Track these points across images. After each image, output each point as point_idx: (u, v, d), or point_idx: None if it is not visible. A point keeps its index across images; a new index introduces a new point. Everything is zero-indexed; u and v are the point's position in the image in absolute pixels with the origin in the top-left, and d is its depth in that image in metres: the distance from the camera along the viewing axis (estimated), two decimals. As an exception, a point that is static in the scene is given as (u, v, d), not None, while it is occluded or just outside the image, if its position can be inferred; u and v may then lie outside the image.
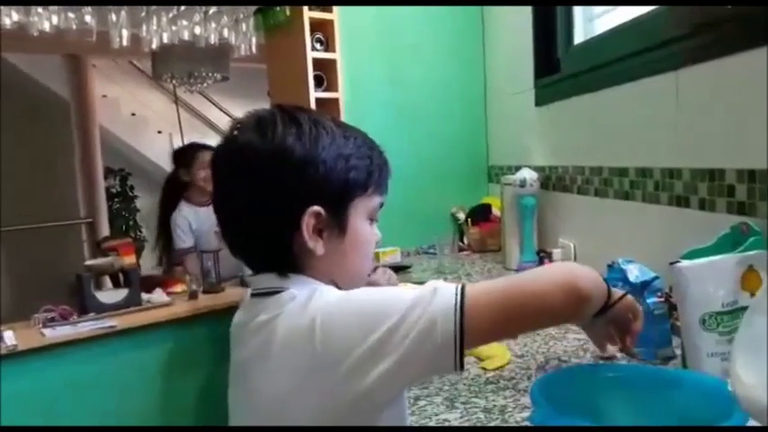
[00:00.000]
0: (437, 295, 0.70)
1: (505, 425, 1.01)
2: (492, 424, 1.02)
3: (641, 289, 1.26)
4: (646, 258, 1.39)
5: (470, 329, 0.69)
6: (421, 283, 1.83)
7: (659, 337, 1.23)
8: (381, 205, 0.89)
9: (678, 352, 1.20)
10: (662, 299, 1.25)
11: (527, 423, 1.00)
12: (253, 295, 0.83)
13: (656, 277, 1.26)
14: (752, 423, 0.79)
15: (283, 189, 0.79)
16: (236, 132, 0.83)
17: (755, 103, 1.20)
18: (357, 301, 0.75)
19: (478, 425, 1.02)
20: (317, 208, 0.79)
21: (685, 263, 1.09)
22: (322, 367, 0.70)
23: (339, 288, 0.82)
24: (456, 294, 0.70)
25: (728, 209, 1.27)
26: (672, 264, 1.11)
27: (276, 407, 0.75)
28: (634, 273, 1.30)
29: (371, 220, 0.88)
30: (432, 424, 1.02)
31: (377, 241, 0.90)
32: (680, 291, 1.10)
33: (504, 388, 1.15)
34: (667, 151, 1.50)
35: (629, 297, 0.96)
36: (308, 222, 0.79)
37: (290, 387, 0.73)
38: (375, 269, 1.72)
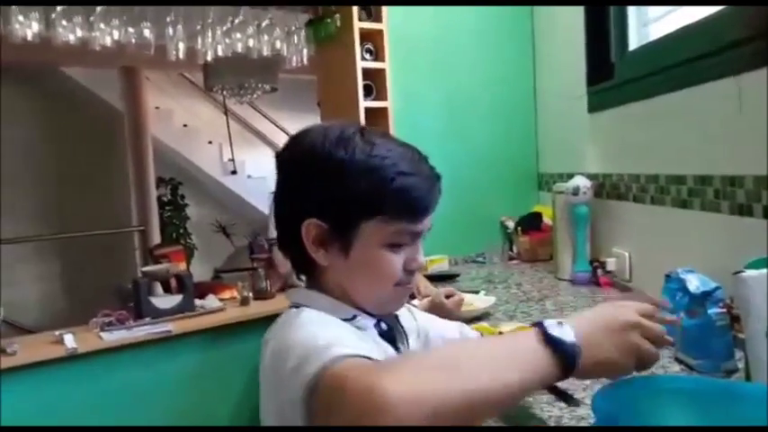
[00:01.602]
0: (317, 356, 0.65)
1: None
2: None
3: (702, 299, 1.23)
4: (705, 269, 1.35)
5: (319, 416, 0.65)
6: (472, 291, 1.83)
7: (722, 349, 1.19)
8: (414, 233, 0.85)
9: (741, 365, 1.16)
10: (724, 309, 1.21)
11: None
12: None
13: (718, 287, 1.22)
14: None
15: (292, 195, 0.85)
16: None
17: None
18: (297, 336, 0.74)
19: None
20: (314, 220, 0.81)
21: (750, 272, 1.06)
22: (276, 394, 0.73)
23: (360, 305, 0.86)
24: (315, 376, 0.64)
25: (794, 217, 1.23)
26: (735, 274, 1.07)
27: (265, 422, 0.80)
28: (694, 283, 1.26)
29: (394, 245, 0.83)
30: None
31: (415, 267, 0.86)
32: (744, 301, 1.07)
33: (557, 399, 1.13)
34: (728, 158, 1.46)
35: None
36: (307, 231, 0.82)
37: (271, 409, 0.77)
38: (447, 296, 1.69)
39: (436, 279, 2.28)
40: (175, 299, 2.13)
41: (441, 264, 2.56)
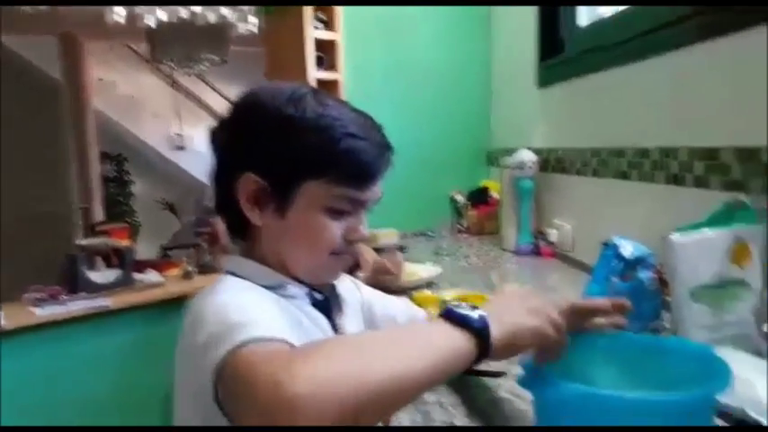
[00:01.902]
0: (227, 336, 0.61)
1: (497, 395, 1.01)
2: (483, 395, 1.02)
3: (635, 264, 1.26)
4: (641, 236, 1.39)
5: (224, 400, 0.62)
6: (418, 262, 1.83)
7: (650, 311, 1.23)
8: (358, 201, 0.81)
9: (668, 327, 1.20)
10: (654, 274, 1.25)
11: (516, 388, 1.00)
12: None
13: (650, 253, 1.26)
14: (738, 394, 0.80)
15: (231, 149, 0.81)
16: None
17: (752, 82, 1.20)
18: (211, 305, 0.69)
19: (470, 395, 1.02)
20: (252, 175, 0.77)
21: (677, 236, 1.10)
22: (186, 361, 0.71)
23: (293, 272, 0.82)
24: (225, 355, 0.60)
25: (723, 186, 1.27)
26: (664, 237, 1.11)
27: (178, 392, 0.77)
28: (628, 249, 1.30)
29: (335, 211, 0.80)
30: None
31: (355, 238, 0.83)
32: (671, 264, 1.10)
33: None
34: (665, 131, 1.49)
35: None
36: (243, 187, 0.78)
37: (178, 370, 0.75)
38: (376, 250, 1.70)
39: (384, 252, 2.28)
40: (113, 273, 2.07)
41: (391, 237, 2.56)
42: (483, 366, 0.68)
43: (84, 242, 2.12)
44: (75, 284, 1.99)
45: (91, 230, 2.83)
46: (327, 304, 0.88)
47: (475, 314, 0.63)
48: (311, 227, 0.79)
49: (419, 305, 1.22)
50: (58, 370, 1.90)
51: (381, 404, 0.54)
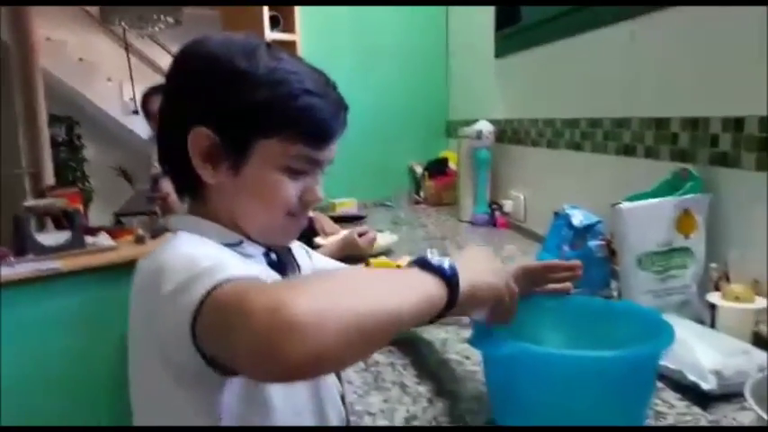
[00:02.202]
0: (200, 280, 0.60)
1: (446, 356, 1.03)
2: (433, 356, 1.04)
3: (584, 232, 1.29)
4: (593, 206, 1.42)
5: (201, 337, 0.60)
6: (377, 231, 1.83)
7: (600, 278, 1.26)
8: (315, 161, 0.79)
9: (616, 294, 1.23)
10: (603, 242, 1.28)
11: (464, 348, 1.02)
12: None
13: (599, 221, 1.29)
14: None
15: (176, 99, 0.77)
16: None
17: (702, 53, 1.22)
18: (174, 257, 0.67)
19: (420, 356, 1.03)
20: (204, 129, 0.73)
21: (625, 204, 1.12)
22: (143, 320, 0.69)
23: (247, 232, 0.80)
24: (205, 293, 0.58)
25: (671, 156, 1.30)
26: (613, 205, 1.13)
27: (132, 354, 0.75)
28: (578, 217, 1.32)
29: (292, 171, 0.77)
30: (375, 354, 1.03)
31: (311, 199, 0.81)
32: (619, 231, 1.13)
33: (446, 323, 1.16)
34: (618, 102, 1.52)
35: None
36: (193, 141, 0.74)
37: (138, 335, 0.72)
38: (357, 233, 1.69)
39: (342, 220, 2.28)
40: (63, 235, 2.02)
41: (350, 207, 2.57)
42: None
43: (31, 203, 2.06)
44: (23, 246, 1.93)
45: (41, 196, 2.75)
46: (283, 266, 0.85)
47: (446, 264, 0.64)
48: (267, 186, 0.77)
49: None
50: (7, 333, 1.86)
51: (371, 336, 0.54)
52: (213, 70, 0.74)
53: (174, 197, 2.36)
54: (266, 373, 0.53)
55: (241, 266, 0.63)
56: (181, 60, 0.78)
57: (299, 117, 0.74)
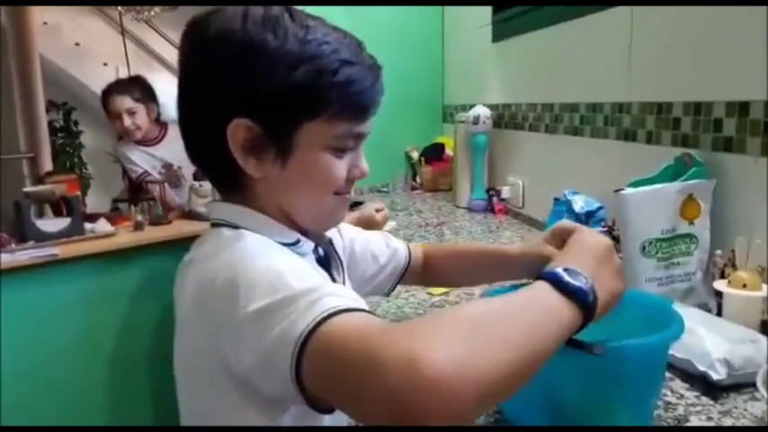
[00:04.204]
0: (306, 303, 0.53)
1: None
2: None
3: (585, 219, 1.29)
4: (593, 192, 1.41)
5: (309, 376, 0.52)
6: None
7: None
8: (359, 135, 0.73)
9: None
10: (605, 229, 1.27)
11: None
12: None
13: (601, 207, 1.28)
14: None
15: (210, 92, 0.68)
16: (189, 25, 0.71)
17: (704, 37, 1.21)
18: (254, 269, 0.60)
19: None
20: (244, 121, 0.66)
21: (628, 190, 1.12)
22: (211, 330, 0.61)
23: (299, 223, 0.74)
24: (314, 320, 0.51)
25: (673, 141, 1.29)
26: (616, 191, 1.13)
27: (181, 366, 0.70)
28: (579, 203, 1.32)
29: (338, 150, 0.71)
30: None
31: (358, 175, 0.75)
32: (622, 217, 1.12)
33: (448, 311, 1.17)
34: (618, 86, 1.50)
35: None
36: (234, 135, 0.67)
37: (193, 347, 0.66)
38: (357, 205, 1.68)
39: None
40: (62, 222, 2.00)
41: (345, 192, 2.56)
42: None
43: (32, 189, 2.04)
44: (23, 232, 1.92)
45: (39, 182, 2.73)
46: (328, 260, 0.82)
47: (587, 287, 0.58)
48: (318, 170, 0.71)
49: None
50: (6, 320, 1.85)
51: (513, 385, 0.49)
52: (240, 53, 0.66)
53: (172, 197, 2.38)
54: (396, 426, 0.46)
55: (338, 286, 0.59)
56: (198, 45, 0.70)
57: (341, 93, 0.68)
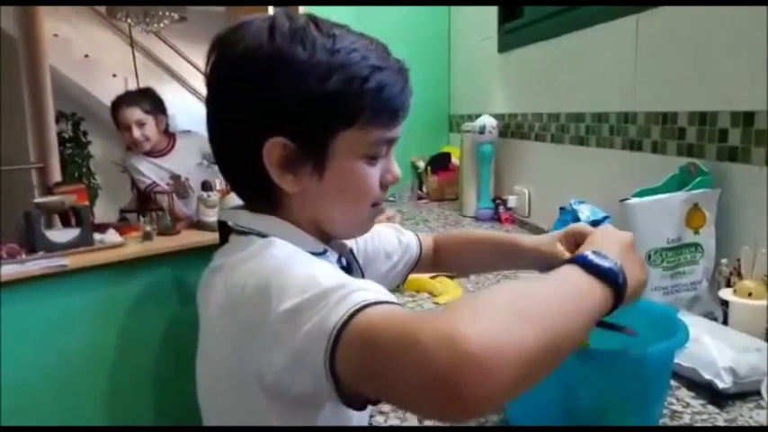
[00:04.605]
0: (339, 296, 0.54)
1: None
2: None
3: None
4: (599, 201, 1.42)
5: (343, 367, 0.51)
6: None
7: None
8: (391, 140, 0.72)
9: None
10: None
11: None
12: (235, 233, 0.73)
13: (606, 216, 1.29)
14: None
15: (242, 110, 0.67)
16: (215, 43, 0.71)
17: (709, 47, 1.22)
18: (286, 273, 0.60)
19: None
20: (279, 139, 0.65)
21: (634, 200, 1.12)
22: (241, 338, 0.60)
23: (329, 235, 0.74)
24: (348, 312, 0.52)
25: (678, 151, 1.30)
26: (621, 201, 1.13)
27: (206, 375, 0.70)
28: (585, 213, 1.33)
29: (371, 157, 0.70)
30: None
31: (390, 180, 0.74)
32: (628, 227, 1.13)
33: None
34: (623, 96, 1.51)
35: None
36: (269, 154, 0.66)
37: (221, 355, 0.65)
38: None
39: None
40: (72, 232, 2.02)
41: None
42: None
43: (41, 200, 2.06)
44: (33, 243, 1.94)
45: (49, 192, 2.75)
46: (350, 270, 0.82)
47: (617, 268, 0.59)
48: (355, 179, 0.70)
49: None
50: (14, 331, 1.87)
51: (550, 363, 0.49)
52: (270, 68, 0.65)
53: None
54: (442, 412, 0.48)
55: (360, 282, 0.58)
56: (226, 62, 0.69)
57: (374, 99, 0.67)
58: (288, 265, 0.61)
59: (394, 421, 0.82)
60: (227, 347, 0.63)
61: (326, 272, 0.59)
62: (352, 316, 0.51)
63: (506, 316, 0.48)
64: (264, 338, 0.57)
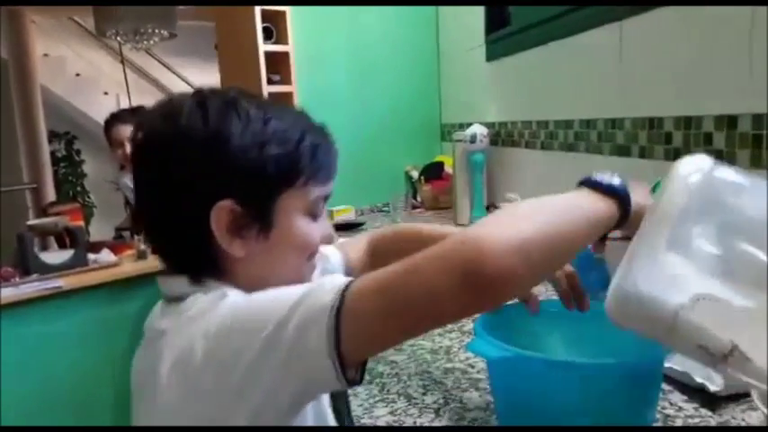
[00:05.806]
0: (318, 291, 0.57)
1: (450, 365, 1.04)
2: (437, 364, 1.04)
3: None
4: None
5: (350, 334, 0.55)
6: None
7: (598, 281, 1.26)
8: (326, 197, 0.76)
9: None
10: (602, 244, 1.29)
11: (469, 356, 1.03)
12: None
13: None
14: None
15: (186, 180, 0.67)
16: (143, 121, 0.73)
17: (693, 52, 1.23)
18: (247, 307, 0.62)
19: (424, 366, 1.04)
20: (227, 203, 0.67)
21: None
22: (210, 388, 0.59)
23: None
24: (338, 291, 0.56)
25: (666, 155, 1.31)
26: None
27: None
28: (576, 219, 1.33)
29: (313, 215, 0.74)
30: (380, 366, 1.04)
31: (324, 237, 0.77)
32: (616, 233, 1.14)
33: (449, 330, 1.18)
34: (611, 102, 1.53)
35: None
36: (217, 219, 0.67)
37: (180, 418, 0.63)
38: None
39: (342, 228, 2.30)
40: (66, 254, 2.03)
41: (347, 214, 2.58)
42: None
43: (35, 222, 2.07)
44: (26, 265, 1.94)
45: (43, 212, 2.76)
46: None
47: (617, 182, 0.68)
48: (298, 236, 0.73)
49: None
50: (13, 352, 1.86)
51: (548, 254, 0.57)
52: (209, 146, 0.67)
53: None
54: (473, 292, 0.53)
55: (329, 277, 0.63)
56: (161, 143, 0.70)
57: (310, 159, 0.71)
58: (243, 304, 0.63)
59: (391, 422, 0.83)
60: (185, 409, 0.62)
61: (291, 287, 0.61)
62: (343, 291, 0.56)
63: (507, 217, 0.61)
64: (253, 373, 0.57)
